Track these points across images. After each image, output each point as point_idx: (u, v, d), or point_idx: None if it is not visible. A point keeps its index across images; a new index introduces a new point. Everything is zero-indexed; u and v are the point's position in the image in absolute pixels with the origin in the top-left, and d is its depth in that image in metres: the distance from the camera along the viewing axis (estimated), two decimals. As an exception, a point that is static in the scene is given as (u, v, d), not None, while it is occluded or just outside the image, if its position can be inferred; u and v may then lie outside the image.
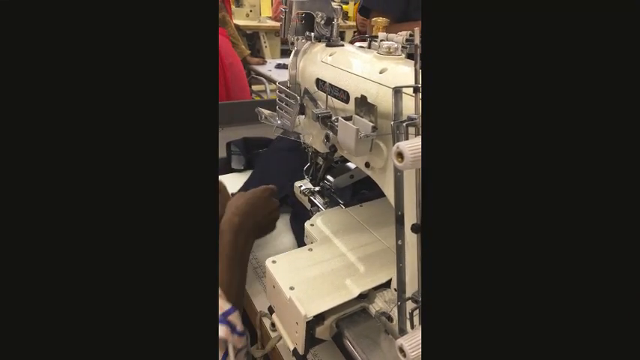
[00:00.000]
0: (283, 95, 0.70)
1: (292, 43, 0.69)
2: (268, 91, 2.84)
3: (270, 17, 4.05)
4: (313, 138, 0.73)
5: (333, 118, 0.60)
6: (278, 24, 3.59)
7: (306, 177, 0.86)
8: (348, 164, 0.86)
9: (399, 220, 0.52)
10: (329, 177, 0.85)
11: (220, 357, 0.53)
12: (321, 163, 0.82)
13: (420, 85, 0.46)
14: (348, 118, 0.56)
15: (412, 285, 0.53)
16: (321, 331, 0.61)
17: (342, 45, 0.68)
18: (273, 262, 0.66)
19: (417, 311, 0.52)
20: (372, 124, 0.53)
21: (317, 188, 0.86)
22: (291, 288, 0.61)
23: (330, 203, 0.84)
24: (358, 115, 0.56)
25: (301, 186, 0.89)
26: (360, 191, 0.86)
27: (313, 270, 0.65)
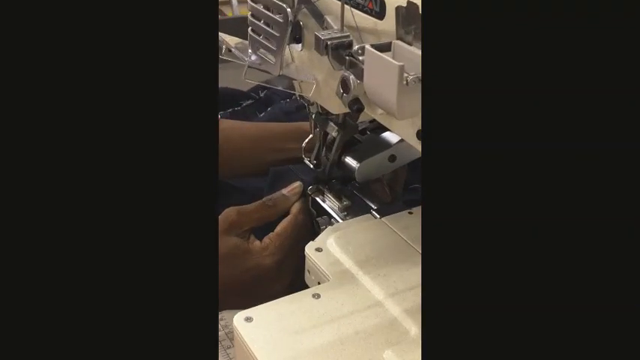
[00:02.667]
0: (260, 7, 0.52)
1: None
2: (235, 2, 2.32)
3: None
4: (318, 87, 0.55)
5: (356, 47, 0.47)
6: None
7: (306, 160, 0.69)
8: (385, 135, 0.69)
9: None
10: (349, 160, 0.68)
11: None
12: (334, 134, 0.65)
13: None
14: (384, 47, 0.44)
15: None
16: None
17: None
18: (248, 319, 0.50)
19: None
20: (429, 55, 0.39)
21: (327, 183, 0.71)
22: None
23: (353, 208, 0.67)
24: (403, 39, 0.44)
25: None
26: (409, 185, 0.72)
27: (322, 335, 0.50)
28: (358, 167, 0.68)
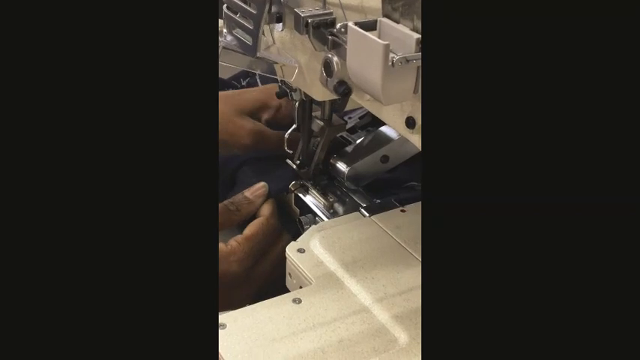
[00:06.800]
0: (234, -17, 0.52)
1: None
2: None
3: None
4: (301, 71, 0.54)
5: (339, 25, 0.46)
6: None
7: (288, 160, 0.66)
8: (376, 134, 0.68)
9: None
10: (338, 164, 0.67)
11: None
12: (317, 127, 0.65)
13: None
14: (369, 25, 0.43)
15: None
16: None
17: None
18: (221, 325, 0.49)
19: None
20: (417, 34, 0.40)
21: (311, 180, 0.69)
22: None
23: (340, 206, 0.66)
24: (389, 17, 0.42)
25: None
26: (403, 184, 0.69)
27: (302, 343, 0.50)
28: (348, 171, 0.67)
